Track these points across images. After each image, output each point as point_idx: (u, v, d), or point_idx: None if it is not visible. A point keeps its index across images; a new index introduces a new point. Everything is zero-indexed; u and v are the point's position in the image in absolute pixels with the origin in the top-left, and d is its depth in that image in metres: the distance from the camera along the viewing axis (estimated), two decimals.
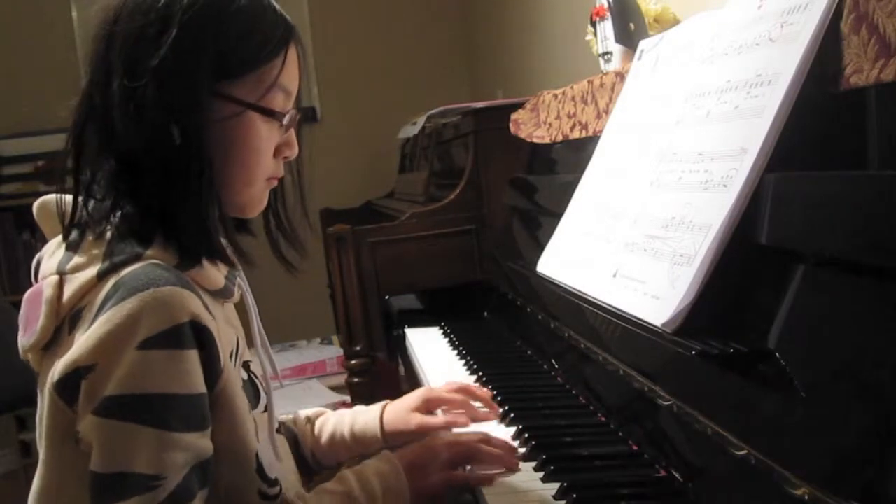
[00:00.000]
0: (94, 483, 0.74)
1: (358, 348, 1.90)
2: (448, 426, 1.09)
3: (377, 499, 0.90)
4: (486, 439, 0.99)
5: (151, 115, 0.79)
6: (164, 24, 0.80)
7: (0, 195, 3.27)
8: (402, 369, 1.74)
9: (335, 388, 2.58)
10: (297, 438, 1.13)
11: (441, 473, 0.95)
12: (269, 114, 0.86)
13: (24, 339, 0.83)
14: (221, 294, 0.87)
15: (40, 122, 3.16)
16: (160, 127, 0.79)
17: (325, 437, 1.12)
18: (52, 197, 0.88)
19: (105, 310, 0.75)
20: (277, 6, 0.88)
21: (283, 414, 1.14)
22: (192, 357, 0.76)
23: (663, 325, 0.86)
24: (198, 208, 0.81)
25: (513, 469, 0.94)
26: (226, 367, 0.81)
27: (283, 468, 0.94)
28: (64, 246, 0.84)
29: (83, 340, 0.75)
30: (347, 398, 2.14)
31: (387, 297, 1.93)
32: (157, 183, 0.81)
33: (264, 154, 0.88)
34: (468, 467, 0.96)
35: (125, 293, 0.75)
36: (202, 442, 0.78)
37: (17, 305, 0.89)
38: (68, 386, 0.75)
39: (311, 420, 1.15)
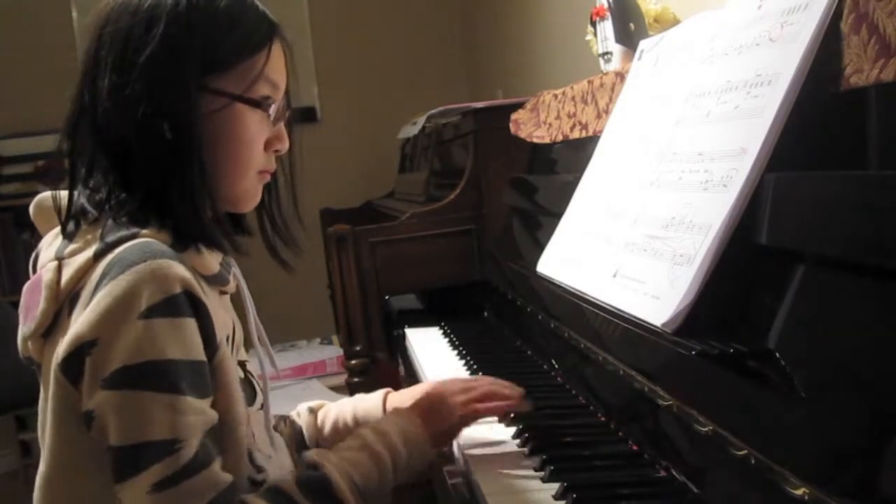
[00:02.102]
0: (114, 458, 0.76)
1: (358, 348, 1.90)
2: None
3: (397, 447, 0.90)
4: (495, 381, 1.03)
5: (140, 109, 0.82)
6: (150, 22, 0.84)
7: (0, 195, 3.27)
8: (402, 369, 1.74)
9: (335, 388, 2.58)
10: (301, 431, 1.13)
11: (457, 413, 0.97)
12: (255, 104, 0.88)
13: (25, 327, 0.85)
14: (216, 280, 0.88)
15: (40, 122, 3.15)
16: (150, 120, 0.82)
17: (328, 427, 1.12)
18: (48, 194, 0.91)
19: (102, 286, 0.77)
20: (260, 5, 0.91)
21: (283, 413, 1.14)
22: (192, 325, 0.78)
23: (663, 325, 0.86)
24: (191, 199, 0.84)
25: (523, 408, 0.99)
26: (221, 345, 0.83)
27: (278, 462, 0.94)
28: (61, 236, 0.86)
29: (84, 316, 0.76)
30: (347, 398, 2.14)
31: (387, 297, 1.93)
32: (150, 175, 0.83)
33: (254, 146, 0.90)
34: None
35: (121, 268, 0.77)
36: (209, 408, 0.80)
37: (17, 306, 0.89)
38: (73, 364, 0.77)
39: (313, 411, 1.15)
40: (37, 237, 0.93)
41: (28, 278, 0.88)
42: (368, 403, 1.12)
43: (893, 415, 0.56)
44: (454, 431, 0.97)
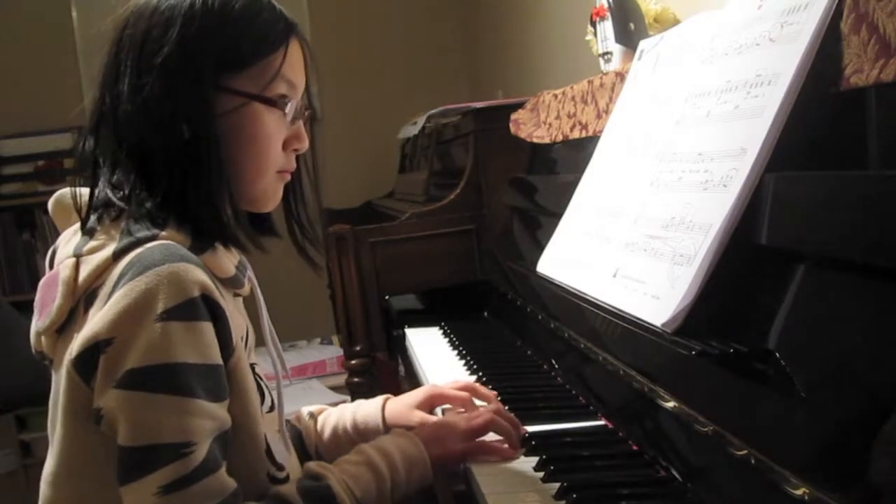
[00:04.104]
0: (122, 458, 0.76)
1: (358, 348, 1.90)
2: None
3: (398, 467, 0.91)
4: (500, 410, 1.02)
5: (158, 110, 0.83)
6: (166, 24, 0.84)
7: (0, 195, 3.27)
8: (402, 369, 1.74)
9: (335, 388, 2.58)
10: (301, 435, 1.13)
11: (460, 444, 0.97)
12: (271, 103, 0.89)
13: (40, 322, 0.85)
14: (232, 283, 0.88)
15: (40, 122, 3.16)
16: (168, 121, 0.83)
17: (328, 432, 1.12)
18: (67, 190, 0.92)
19: (120, 286, 0.77)
20: (277, 5, 0.91)
21: (286, 417, 1.15)
22: (209, 329, 0.78)
23: (663, 325, 0.86)
24: (209, 198, 0.84)
25: (516, 449, 0.97)
26: (237, 347, 0.83)
27: (290, 464, 0.95)
28: (80, 232, 0.86)
29: (101, 315, 0.77)
30: (347, 398, 2.14)
31: (387, 297, 1.93)
32: (169, 174, 0.84)
33: (272, 145, 0.90)
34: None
35: (140, 269, 0.77)
36: (223, 412, 0.80)
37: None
38: (86, 361, 0.77)
39: (313, 416, 1.15)
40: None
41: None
42: (368, 409, 1.12)
43: (893, 414, 0.56)
44: (455, 461, 0.97)
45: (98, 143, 0.88)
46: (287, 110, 0.90)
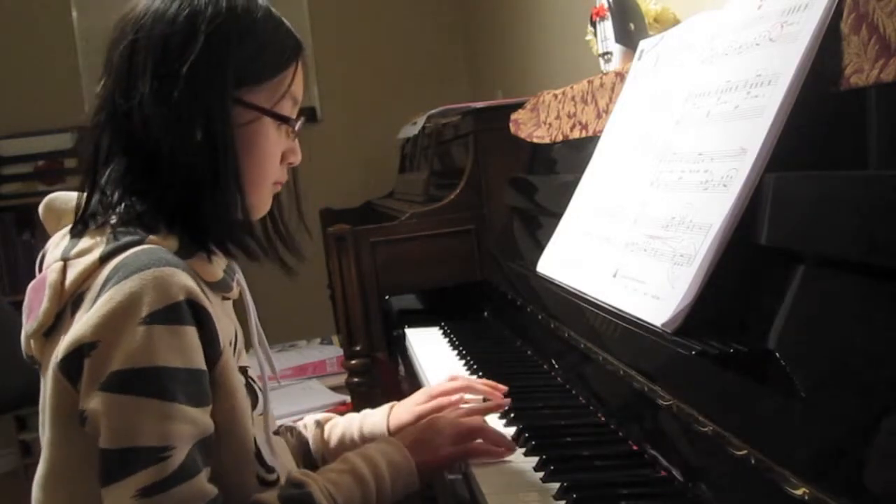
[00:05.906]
0: (103, 460, 0.76)
1: (358, 348, 1.90)
2: (445, 406, 1.11)
3: (382, 474, 0.91)
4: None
5: (177, 116, 0.83)
6: (188, 34, 0.84)
7: (0, 195, 3.27)
8: (402, 369, 1.74)
9: (335, 388, 2.58)
10: (307, 443, 1.13)
11: (448, 448, 0.97)
12: (284, 120, 0.91)
13: (28, 325, 0.85)
14: (220, 287, 0.88)
15: (40, 122, 3.16)
16: (187, 129, 0.83)
17: (334, 441, 1.12)
18: (58, 194, 0.91)
19: (106, 290, 0.77)
20: (286, 22, 0.93)
21: (286, 417, 1.15)
22: (193, 333, 0.78)
23: (663, 325, 0.86)
24: (225, 205, 0.85)
25: (510, 450, 0.97)
26: (225, 350, 0.83)
27: (280, 465, 0.95)
28: (68, 236, 0.86)
29: (86, 319, 0.77)
30: (347, 398, 2.14)
31: (387, 297, 1.93)
32: (175, 181, 0.84)
33: (274, 159, 0.92)
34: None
35: (126, 273, 0.77)
36: (205, 418, 0.80)
37: (17, 305, 0.90)
38: (72, 364, 0.77)
39: (320, 424, 1.15)
40: (38, 237, 0.93)
41: (29, 278, 0.88)
42: (374, 418, 1.12)
43: (893, 415, 0.56)
44: (442, 466, 0.97)
45: (99, 146, 0.87)
46: (297, 128, 0.92)
